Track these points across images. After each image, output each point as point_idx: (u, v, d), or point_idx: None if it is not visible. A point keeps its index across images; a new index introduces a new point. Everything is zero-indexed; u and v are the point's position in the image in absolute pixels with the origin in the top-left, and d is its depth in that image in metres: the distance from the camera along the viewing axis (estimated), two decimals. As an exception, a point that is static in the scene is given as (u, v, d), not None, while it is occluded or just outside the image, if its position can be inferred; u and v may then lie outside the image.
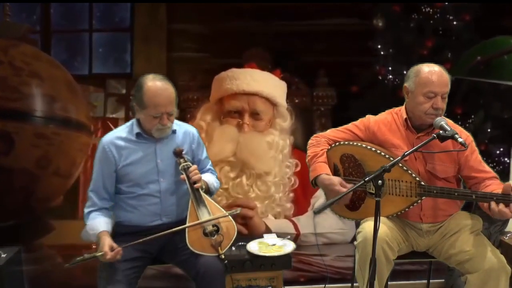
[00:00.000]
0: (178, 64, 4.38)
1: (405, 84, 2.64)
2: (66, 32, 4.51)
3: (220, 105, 4.04)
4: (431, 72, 2.54)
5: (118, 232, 2.62)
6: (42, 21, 4.38)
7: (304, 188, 4.03)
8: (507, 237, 3.07)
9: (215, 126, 3.98)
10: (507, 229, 3.21)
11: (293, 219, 4.01)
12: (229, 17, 4.34)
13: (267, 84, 4.01)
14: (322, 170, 2.63)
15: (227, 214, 2.58)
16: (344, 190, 2.51)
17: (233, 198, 3.86)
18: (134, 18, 4.41)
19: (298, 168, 4.03)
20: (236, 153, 3.87)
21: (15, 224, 3.96)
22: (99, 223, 2.51)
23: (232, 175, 3.89)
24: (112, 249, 2.40)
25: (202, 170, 2.77)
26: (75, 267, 2.39)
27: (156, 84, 2.49)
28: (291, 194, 4.04)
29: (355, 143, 2.69)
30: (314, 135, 2.82)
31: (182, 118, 4.19)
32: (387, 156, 2.57)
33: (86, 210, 2.59)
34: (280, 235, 2.97)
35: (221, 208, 2.61)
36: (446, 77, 2.56)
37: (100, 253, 2.39)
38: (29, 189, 3.93)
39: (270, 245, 2.73)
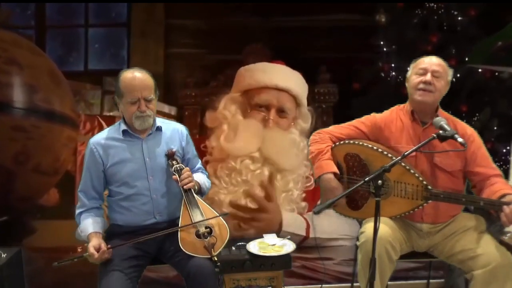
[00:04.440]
0: (176, 60, 4.37)
1: (407, 83, 2.68)
2: (61, 28, 4.46)
3: (246, 97, 4.04)
4: (425, 57, 2.64)
5: (115, 233, 2.61)
6: (37, 16, 4.34)
7: (315, 190, 4.00)
8: (507, 237, 3.06)
9: (239, 119, 3.99)
10: (507, 229, 3.18)
11: (307, 217, 3.96)
12: (228, 13, 4.32)
13: (297, 82, 4.05)
14: (329, 168, 2.62)
15: (219, 215, 2.57)
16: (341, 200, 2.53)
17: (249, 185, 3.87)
18: (131, 13, 4.39)
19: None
20: (261, 149, 3.90)
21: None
22: (88, 224, 2.53)
23: (253, 167, 3.90)
24: (98, 249, 2.42)
25: (192, 170, 2.76)
26: (77, 265, 2.44)
27: (131, 72, 2.55)
28: (304, 195, 4.02)
29: (360, 143, 2.66)
30: (316, 131, 2.79)
31: (180, 114, 4.18)
32: (394, 158, 2.51)
33: (77, 211, 2.60)
34: (284, 234, 2.92)
35: (213, 210, 2.60)
36: (439, 60, 2.62)
37: (86, 254, 2.42)
38: (7, 187, 3.78)
39: (270, 245, 2.68)
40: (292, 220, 3.90)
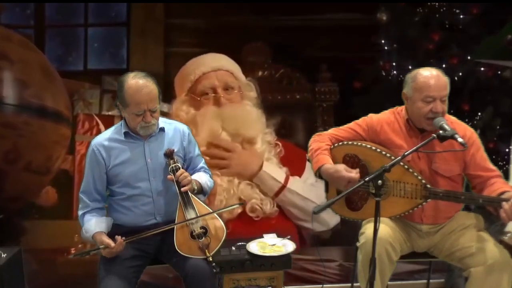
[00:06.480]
0: (176, 60, 4.34)
1: (404, 91, 2.61)
2: (61, 27, 4.46)
3: (191, 93, 4.12)
4: (428, 77, 2.52)
5: (115, 233, 2.57)
6: (36, 15, 4.34)
7: (286, 155, 4.14)
8: (507, 237, 3.08)
9: (193, 113, 4.08)
10: (507, 229, 3.21)
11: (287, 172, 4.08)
12: (228, 12, 4.30)
13: (226, 60, 4.17)
14: (324, 160, 2.61)
15: (214, 212, 2.58)
16: (351, 174, 2.52)
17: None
18: (131, 12, 4.39)
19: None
20: (224, 127, 4.00)
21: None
22: (92, 225, 2.53)
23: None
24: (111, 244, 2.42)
25: (194, 169, 2.76)
26: (78, 264, 2.41)
27: (136, 82, 2.49)
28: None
29: (358, 143, 2.66)
30: (316, 133, 2.79)
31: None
32: (392, 157, 2.52)
33: (79, 213, 2.60)
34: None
35: (211, 210, 2.60)
36: (443, 80, 2.52)
37: (103, 246, 2.42)
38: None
39: (270, 245, 2.70)
40: (274, 167, 4.03)
